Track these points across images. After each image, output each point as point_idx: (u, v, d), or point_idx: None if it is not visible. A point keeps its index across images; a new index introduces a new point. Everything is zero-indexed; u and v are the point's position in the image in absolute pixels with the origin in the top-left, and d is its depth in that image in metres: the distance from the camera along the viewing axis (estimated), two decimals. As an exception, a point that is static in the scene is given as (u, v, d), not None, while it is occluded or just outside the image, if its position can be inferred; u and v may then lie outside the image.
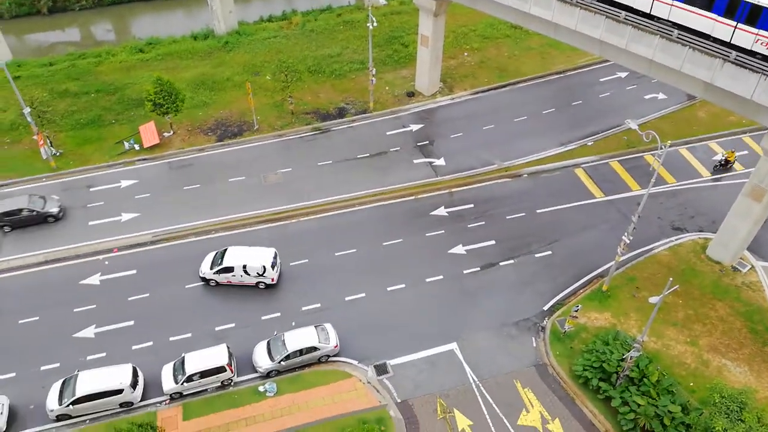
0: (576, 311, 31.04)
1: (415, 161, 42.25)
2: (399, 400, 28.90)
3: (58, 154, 41.50)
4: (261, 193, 39.44)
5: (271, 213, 38.09)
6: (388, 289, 33.78)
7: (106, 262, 34.91)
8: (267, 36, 54.72)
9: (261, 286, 33.65)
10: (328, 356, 30.34)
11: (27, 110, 38.50)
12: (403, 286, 33.95)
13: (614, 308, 32.88)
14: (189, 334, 31.25)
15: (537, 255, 35.81)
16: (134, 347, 30.67)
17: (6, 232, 36.18)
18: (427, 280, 34.29)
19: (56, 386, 28.17)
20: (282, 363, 29.33)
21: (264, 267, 32.82)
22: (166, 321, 31.84)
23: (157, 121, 43.60)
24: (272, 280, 33.37)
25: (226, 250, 33.79)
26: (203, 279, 33.64)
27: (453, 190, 40.13)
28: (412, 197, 39.57)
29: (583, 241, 36.72)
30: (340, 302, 33.03)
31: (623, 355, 28.38)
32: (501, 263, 35.36)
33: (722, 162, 41.22)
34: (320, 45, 53.55)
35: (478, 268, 35.00)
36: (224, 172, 40.90)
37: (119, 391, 27.56)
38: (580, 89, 49.38)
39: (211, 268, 33.19)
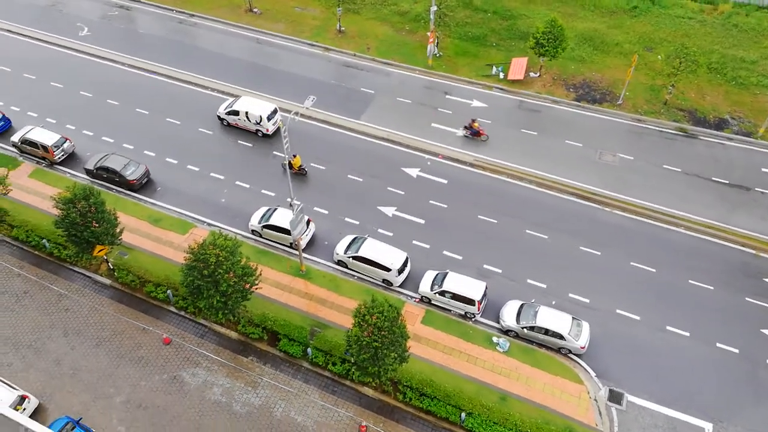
0: None
1: (780, 214, 34.86)
2: (616, 437, 26.38)
3: (438, 55, 45.77)
4: (589, 167, 37.65)
5: (587, 190, 36.31)
6: (668, 327, 29.89)
7: (428, 163, 38.31)
8: (681, 14, 49.19)
9: (259, 134, 39.38)
10: (570, 351, 28.92)
11: (434, 9, 42.78)
12: (687, 334, 29.60)
13: None
14: (461, 257, 32.98)
15: None
16: (414, 242, 33.77)
17: None
18: (718, 344, 29.19)
19: (348, 239, 33.10)
20: (524, 330, 29.09)
21: (261, 117, 38.54)
22: (448, 236, 34.02)
23: (531, 59, 44.18)
24: (267, 130, 39.06)
25: (239, 98, 40.48)
26: (219, 117, 40.35)
27: (811, 268, 32.27)
28: (753, 251, 33.11)
29: None
30: (610, 310, 30.62)
31: None
32: (825, 380, 27.91)
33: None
34: (736, 44, 46.10)
35: (791, 369, 28.31)
36: (565, 131, 39.95)
37: (387, 269, 31.09)
38: None
39: (225, 109, 39.86)
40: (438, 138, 39.73)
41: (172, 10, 51.46)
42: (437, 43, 45.68)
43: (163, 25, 50.17)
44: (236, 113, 39.64)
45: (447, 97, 42.91)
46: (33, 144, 37.81)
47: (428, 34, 44.69)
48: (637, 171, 37.35)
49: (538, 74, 43.98)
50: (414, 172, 37.68)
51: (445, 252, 33.29)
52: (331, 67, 45.79)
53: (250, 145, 39.38)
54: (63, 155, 38.10)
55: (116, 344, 29.78)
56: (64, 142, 38.18)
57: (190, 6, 51.68)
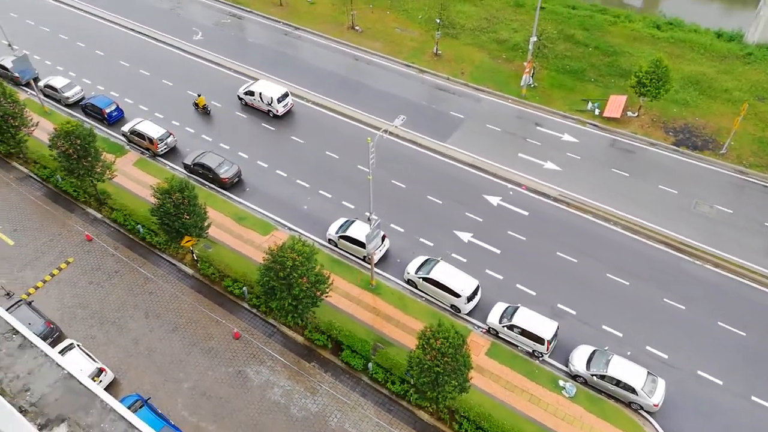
0: None
1: None
2: (683, 508, 24.53)
3: (533, 85, 45.22)
4: (682, 216, 35.70)
5: (678, 240, 34.41)
6: (754, 397, 27.59)
7: (511, 192, 37.77)
8: (802, 65, 46.05)
9: (270, 115, 42.87)
10: (641, 407, 27.31)
11: (533, 39, 42.46)
12: (776, 409, 27.22)
13: None
14: (534, 293, 32.12)
15: None
16: (487, 270, 33.25)
17: None
18: (812, 425, 26.62)
19: (420, 259, 33.07)
20: (594, 377, 27.81)
21: (272, 98, 42.05)
22: (523, 269, 33.26)
23: (630, 97, 42.73)
24: (277, 111, 42.52)
25: (258, 80, 44.58)
26: (238, 97, 44.31)
27: None
28: None
29: None
30: (690, 370, 28.71)
31: None
32: None
33: None
34: None
35: None
36: (659, 176, 38.17)
37: (457, 295, 30.77)
38: None
39: (243, 90, 43.93)
40: (523, 168, 39.11)
41: (280, 22, 54.11)
42: (533, 73, 45.17)
43: (269, 35, 52.83)
44: (252, 93, 43.52)
45: (537, 128, 42.23)
46: (140, 135, 40.76)
47: (525, 63, 44.32)
48: (735, 226, 35.01)
49: (636, 114, 42.42)
50: (495, 200, 37.26)
51: (518, 285, 32.55)
52: (424, 89, 46.34)
53: (336, 156, 40.45)
54: (165, 148, 40.81)
55: (190, 332, 31.25)
56: (168, 136, 40.88)
57: (297, 20, 54.13)
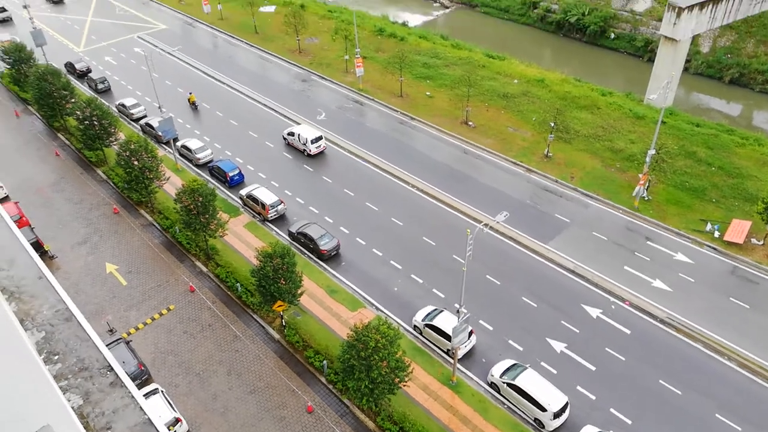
0: None
1: None
2: None
3: (647, 198, 43.44)
4: (812, 363, 31.60)
5: (807, 390, 30.29)
6: None
7: (613, 306, 35.55)
8: None
9: (305, 153, 49.33)
10: None
11: (651, 152, 41.25)
12: None
13: None
14: (630, 421, 29.18)
15: None
16: (579, 387, 30.93)
17: None
18: None
19: (506, 363, 31.52)
20: None
21: (307, 139, 48.55)
22: (620, 393, 30.59)
23: (756, 224, 39.66)
24: (309, 151, 49.01)
25: (299, 125, 52.03)
26: (283, 137, 51.32)
27: None
28: None
29: None
30: None
31: None
32: None
33: None
34: None
35: None
36: (787, 313, 34.42)
37: (543, 409, 28.69)
38: None
39: (287, 131, 50.76)
40: (629, 283, 36.89)
41: (397, 111, 56.98)
42: (648, 186, 43.53)
43: (386, 122, 55.65)
44: (292, 134, 50.40)
45: (648, 243, 40.06)
46: (255, 200, 43.55)
47: (640, 175, 42.91)
48: None
49: (762, 242, 39.10)
50: (595, 312, 35.19)
51: (612, 410, 29.84)
52: (530, 188, 46.01)
53: (433, 243, 40.58)
54: (275, 215, 43.16)
55: (266, 397, 31.40)
56: (279, 203, 43.33)
57: (414, 110, 56.75)
